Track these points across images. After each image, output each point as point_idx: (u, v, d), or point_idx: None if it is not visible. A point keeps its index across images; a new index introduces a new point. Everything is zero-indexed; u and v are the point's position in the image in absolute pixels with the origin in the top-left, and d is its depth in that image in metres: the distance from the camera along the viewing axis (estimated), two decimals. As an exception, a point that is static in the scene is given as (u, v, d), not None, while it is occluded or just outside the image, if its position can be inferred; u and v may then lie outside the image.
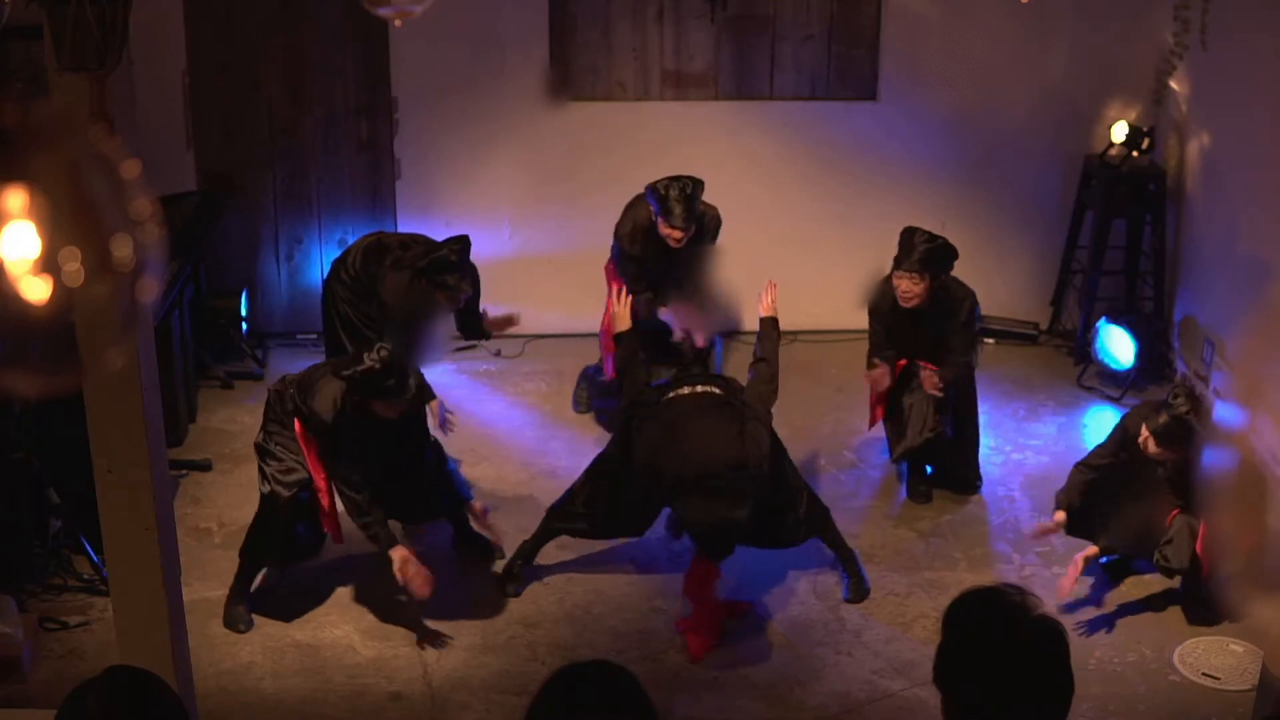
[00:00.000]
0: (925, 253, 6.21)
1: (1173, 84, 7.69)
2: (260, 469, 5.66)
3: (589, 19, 7.83)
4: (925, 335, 6.44)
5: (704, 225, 6.86)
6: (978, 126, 7.89)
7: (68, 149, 1.73)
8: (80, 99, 3.59)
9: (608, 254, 7.18)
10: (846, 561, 5.94)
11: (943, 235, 6.32)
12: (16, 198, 1.66)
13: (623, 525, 5.92)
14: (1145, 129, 7.66)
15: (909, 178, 7.91)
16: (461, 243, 6.33)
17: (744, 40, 7.93)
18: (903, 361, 6.53)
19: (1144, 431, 5.55)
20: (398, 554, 5.41)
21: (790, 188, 7.98)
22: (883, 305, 6.48)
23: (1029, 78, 7.89)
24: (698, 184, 6.67)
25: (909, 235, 6.29)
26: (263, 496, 5.66)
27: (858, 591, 5.91)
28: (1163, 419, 5.49)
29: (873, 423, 6.75)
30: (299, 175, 7.91)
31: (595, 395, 7.37)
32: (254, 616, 5.72)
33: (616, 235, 6.92)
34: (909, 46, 7.87)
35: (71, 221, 1.68)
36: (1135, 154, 7.64)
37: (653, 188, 6.66)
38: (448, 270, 6.21)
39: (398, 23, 3.16)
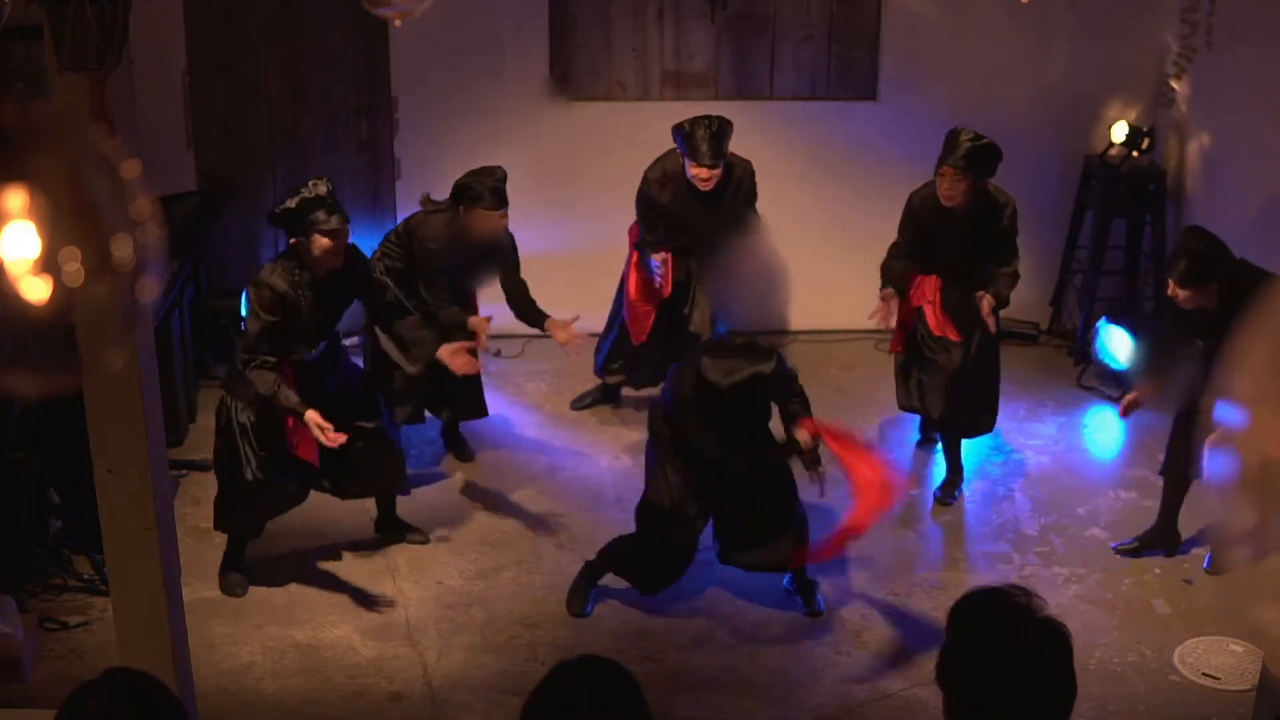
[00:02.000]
0: (970, 150, 6.12)
1: (1173, 84, 7.70)
2: (236, 446, 5.59)
3: (589, 19, 7.83)
4: (965, 242, 6.30)
5: (735, 178, 6.70)
6: (978, 127, 7.80)
7: (68, 149, 1.73)
8: (80, 99, 3.59)
9: (608, 253, 7.19)
10: (804, 584, 5.84)
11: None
12: (16, 198, 1.66)
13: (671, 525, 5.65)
14: (1145, 129, 7.66)
15: (909, 178, 7.87)
16: (497, 170, 6.32)
17: (744, 40, 7.93)
18: (925, 280, 6.42)
19: (1171, 285, 5.62)
20: (312, 416, 5.37)
21: (790, 188, 7.97)
22: (922, 206, 6.35)
23: (1029, 78, 7.89)
24: (725, 123, 6.53)
25: (954, 134, 6.22)
26: (235, 474, 5.63)
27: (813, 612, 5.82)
28: (1180, 263, 5.58)
29: (893, 350, 6.67)
30: (299, 175, 7.88)
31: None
32: (254, 619, 5.72)
33: (645, 179, 6.81)
34: (909, 46, 7.87)
35: (71, 221, 1.68)
36: (1135, 154, 7.65)
37: (678, 127, 6.55)
38: (481, 180, 6.22)
39: (398, 23, 3.16)
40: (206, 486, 6.61)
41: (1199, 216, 7.52)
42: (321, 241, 5.51)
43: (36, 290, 1.67)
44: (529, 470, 6.84)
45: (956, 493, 6.64)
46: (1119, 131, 7.67)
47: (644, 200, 6.82)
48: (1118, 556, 6.16)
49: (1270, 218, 6.74)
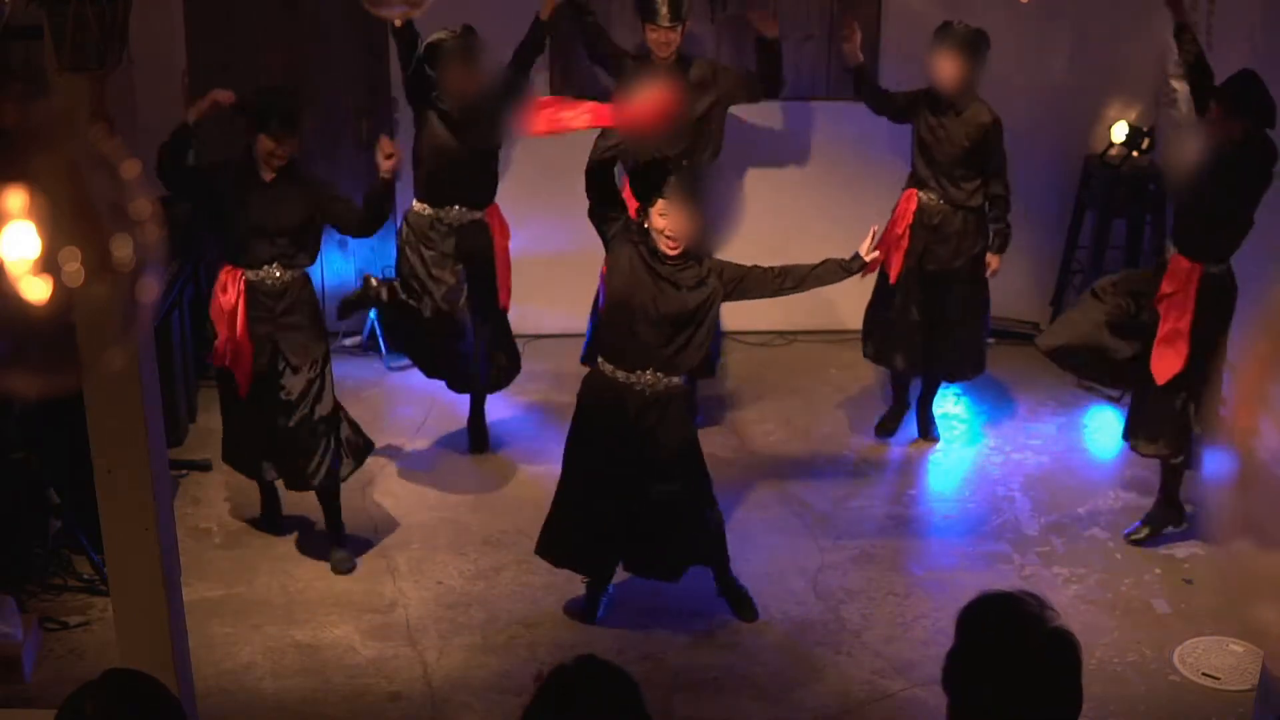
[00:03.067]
0: (965, 31, 6.50)
1: (1173, 84, 7.69)
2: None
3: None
4: (951, 144, 6.58)
5: (694, 78, 6.69)
6: (978, 126, 7.89)
7: (68, 149, 1.73)
8: (80, 99, 3.59)
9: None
10: (731, 591, 5.77)
11: None
12: (16, 198, 1.66)
13: (600, 511, 5.55)
14: (1145, 129, 7.65)
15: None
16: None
17: (744, 40, 7.92)
18: (913, 194, 6.71)
19: (1213, 100, 5.75)
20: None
21: (790, 188, 7.97)
22: (924, 92, 6.67)
23: (1029, 78, 7.88)
24: None
25: (946, 24, 6.61)
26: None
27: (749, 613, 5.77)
28: (1237, 80, 5.71)
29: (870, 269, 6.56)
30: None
31: None
32: (254, 619, 5.73)
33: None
34: (909, 46, 7.86)
35: (71, 221, 1.68)
36: (1135, 154, 7.64)
37: None
38: (445, 39, 6.30)
39: (398, 23, 3.16)
40: (206, 487, 6.62)
41: (1199, 216, 7.52)
42: (265, 144, 5.64)
43: (36, 290, 1.68)
44: (529, 470, 6.83)
45: (934, 432, 7.02)
46: (1119, 131, 7.67)
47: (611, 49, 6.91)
48: (1117, 556, 6.16)
49: (1270, 217, 6.73)
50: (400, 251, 6.60)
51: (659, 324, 5.26)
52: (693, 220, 5.17)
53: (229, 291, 5.74)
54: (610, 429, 5.39)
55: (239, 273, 5.74)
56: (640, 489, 5.43)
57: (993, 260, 6.75)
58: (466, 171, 6.48)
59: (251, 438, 5.95)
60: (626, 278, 5.28)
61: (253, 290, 5.75)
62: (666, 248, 5.20)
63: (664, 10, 6.48)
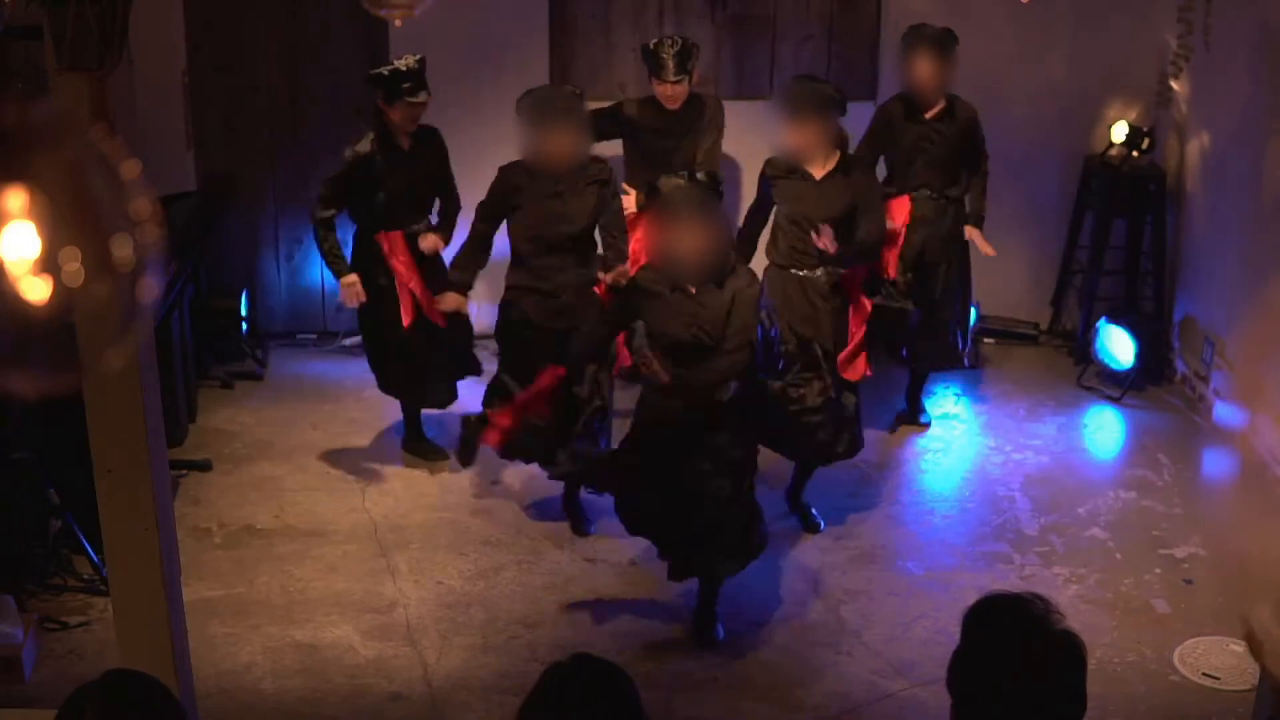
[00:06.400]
0: (936, 32, 6.61)
1: (1173, 84, 7.70)
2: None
3: (589, 19, 7.83)
4: (939, 147, 6.73)
5: (710, 110, 6.91)
6: (978, 126, 7.89)
7: (68, 149, 1.73)
8: (80, 99, 3.59)
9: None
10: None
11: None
12: (16, 198, 1.66)
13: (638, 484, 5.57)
14: (1145, 129, 7.66)
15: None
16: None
17: (744, 40, 7.93)
18: (898, 203, 6.80)
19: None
20: (348, 279, 6.43)
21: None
22: (895, 112, 6.81)
23: (1030, 78, 7.89)
24: (690, 43, 6.81)
25: (914, 28, 6.69)
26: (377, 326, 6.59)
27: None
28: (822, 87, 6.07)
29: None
30: (299, 175, 7.91)
31: None
32: (254, 619, 5.73)
33: (622, 101, 7.14)
34: (909, 47, 7.86)
35: (71, 221, 1.68)
36: (1135, 154, 7.65)
37: (645, 45, 6.87)
38: (538, 95, 6.25)
39: (398, 23, 3.16)
40: (206, 486, 6.63)
41: (1199, 216, 7.53)
42: (407, 110, 6.27)
43: (36, 290, 1.67)
44: (529, 470, 6.83)
45: (923, 418, 7.20)
46: (1119, 131, 7.67)
47: (609, 112, 6.97)
48: (1117, 556, 6.16)
49: (1270, 218, 6.74)
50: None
51: (684, 344, 5.29)
52: (703, 246, 5.12)
53: (399, 252, 6.38)
54: (671, 429, 5.41)
55: (398, 233, 6.38)
56: (691, 486, 5.40)
57: (974, 234, 6.89)
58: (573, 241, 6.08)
59: (422, 371, 6.63)
60: (651, 307, 5.31)
61: (409, 242, 6.41)
62: (686, 279, 5.19)
63: (671, 66, 6.72)
